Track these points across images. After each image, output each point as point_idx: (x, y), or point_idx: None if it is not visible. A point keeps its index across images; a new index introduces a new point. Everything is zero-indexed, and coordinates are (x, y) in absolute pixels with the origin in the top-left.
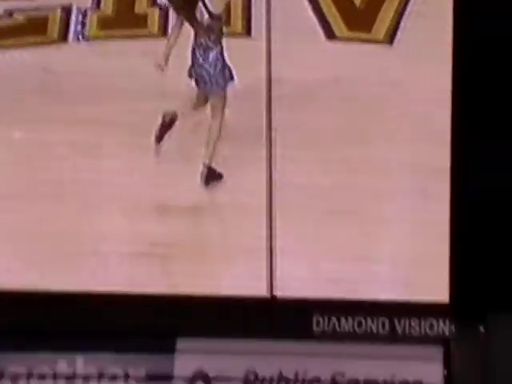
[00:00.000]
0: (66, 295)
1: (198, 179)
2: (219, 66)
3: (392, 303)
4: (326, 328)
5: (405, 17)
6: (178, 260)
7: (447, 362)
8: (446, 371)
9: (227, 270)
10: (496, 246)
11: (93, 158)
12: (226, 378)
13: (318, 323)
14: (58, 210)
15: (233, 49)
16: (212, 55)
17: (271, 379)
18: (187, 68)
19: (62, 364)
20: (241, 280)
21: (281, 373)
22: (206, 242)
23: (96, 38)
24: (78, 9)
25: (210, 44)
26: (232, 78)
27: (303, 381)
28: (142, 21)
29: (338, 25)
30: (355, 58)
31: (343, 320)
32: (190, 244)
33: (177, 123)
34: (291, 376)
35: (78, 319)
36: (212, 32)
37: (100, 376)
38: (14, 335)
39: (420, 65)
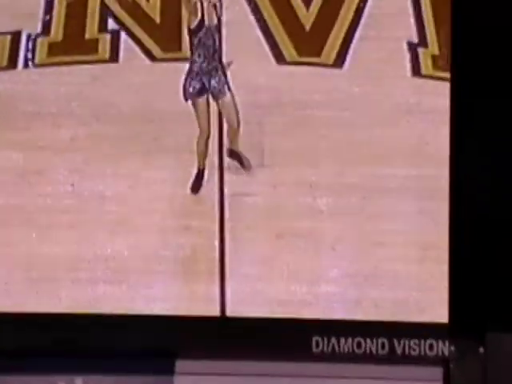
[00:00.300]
0: (63, 316)
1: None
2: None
3: (391, 324)
4: (325, 349)
5: (354, 41)
6: (136, 282)
7: (447, 383)
8: None
9: (184, 290)
10: (495, 265)
11: (48, 184)
12: None
13: (317, 344)
14: (30, 235)
15: (183, 72)
16: (196, 64)
17: None
18: (136, 91)
19: None
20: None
21: None
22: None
23: (46, 63)
24: (28, 34)
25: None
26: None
27: None
28: (92, 46)
29: (288, 49)
30: (305, 81)
31: (342, 341)
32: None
33: None
34: None
35: (77, 340)
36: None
37: None
38: (11, 357)
39: (370, 88)
